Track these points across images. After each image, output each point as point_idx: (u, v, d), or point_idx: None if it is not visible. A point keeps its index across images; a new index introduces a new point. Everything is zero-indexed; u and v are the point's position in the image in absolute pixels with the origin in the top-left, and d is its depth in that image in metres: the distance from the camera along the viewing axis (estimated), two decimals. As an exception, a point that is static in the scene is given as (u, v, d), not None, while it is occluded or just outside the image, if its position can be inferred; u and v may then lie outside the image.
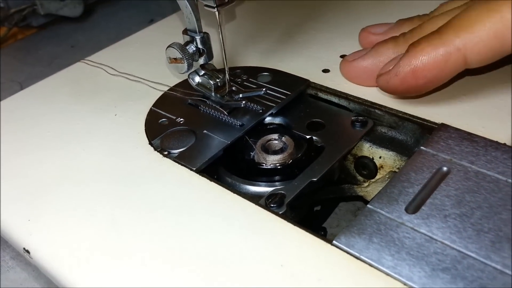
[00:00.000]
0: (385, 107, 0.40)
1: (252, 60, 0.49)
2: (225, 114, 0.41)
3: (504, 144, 0.34)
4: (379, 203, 0.31)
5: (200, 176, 0.36)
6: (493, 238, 0.28)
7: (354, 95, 0.42)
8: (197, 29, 0.40)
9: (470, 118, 0.38)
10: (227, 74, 0.41)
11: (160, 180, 0.36)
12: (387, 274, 0.27)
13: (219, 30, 0.39)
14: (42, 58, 0.78)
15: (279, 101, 0.42)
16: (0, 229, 0.36)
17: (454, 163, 0.33)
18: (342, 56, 0.48)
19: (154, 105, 0.44)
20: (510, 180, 0.31)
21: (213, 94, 0.42)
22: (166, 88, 0.46)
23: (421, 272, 0.27)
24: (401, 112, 0.39)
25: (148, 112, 0.43)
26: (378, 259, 0.28)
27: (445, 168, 0.33)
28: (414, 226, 0.29)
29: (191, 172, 0.37)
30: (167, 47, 0.40)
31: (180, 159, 0.38)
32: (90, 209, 0.35)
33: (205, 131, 0.40)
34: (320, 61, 0.47)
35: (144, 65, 0.50)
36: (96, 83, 0.48)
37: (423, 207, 0.30)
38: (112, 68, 0.49)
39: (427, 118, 0.38)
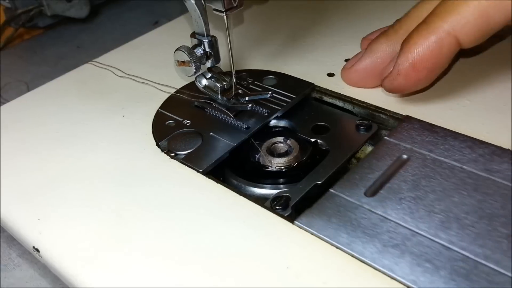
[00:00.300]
0: (389, 111, 0.41)
1: (257, 63, 0.49)
2: (231, 117, 0.42)
3: (462, 134, 0.37)
4: (340, 187, 0.34)
5: (207, 178, 0.37)
6: (443, 218, 0.31)
7: (359, 99, 0.43)
8: (205, 32, 0.40)
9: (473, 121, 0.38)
10: (233, 77, 0.42)
11: (167, 181, 0.37)
12: (342, 250, 0.30)
13: (227, 34, 0.39)
14: (48, 59, 0.79)
15: (285, 104, 0.43)
16: (9, 227, 0.36)
17: (414, 151, 0.36)
18: (347, 60, 0.48)
19: (161, 107, 0.45)
20: (464, 167, 0.34)
21: (219, 96, 0.42)
22: (172, 90, 0.47)
23: (373, 248, 0.29)
24: (405, 116, 0.40)
25: (155, 114, 0.44)
26: (335, 237, 0.30)
27: (405, 156, 0.35)
28: (371, 208, 0.32)
29: (198, 173, 0.37)
30: (176, 50, 0.40)
31: (187, 161, 0.38)
32: (98, 208, 0.35)
33: (211, 133, 0.41)
34: (325, 65, 0.48)
35: (151, 67, 0.50)
36: (104, 84, 0.49)
37: (381, 191, 0.33)
38: (120, 70, 0.50)
39: (431, 122, 0.39)
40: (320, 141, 0.40)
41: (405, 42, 0.37)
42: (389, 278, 0.28)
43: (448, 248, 0.29)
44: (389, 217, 0.31)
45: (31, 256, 0.44)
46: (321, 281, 0.29)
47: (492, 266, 0.28)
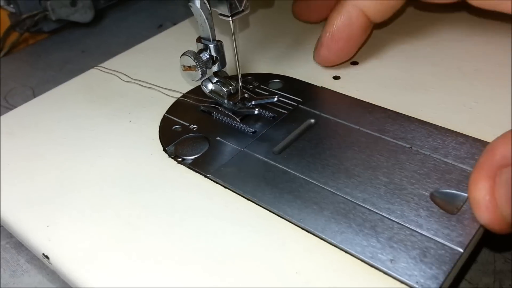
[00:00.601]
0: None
1: (263, 66, 0.49)
2: (238, 121, 0.42)
3: (366, 102, 0.42)
4: (252, 146, 0.39)
5: (214, 183, 0.37)
6: (334, 170, 0.36)
7: (366, 100, 0.43)
8: (211, 37, 0.40)
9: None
10: (240, 82, 0.42)
11: (175, 186, 0.37)
12: (246, 198, 0.35)
13: (233, 38, 0.39)
14: (54, 63, 0.79)
15: (291, 108, 0.43)
16: (18, 234, 0.36)
17: (321, 117, 0.41)
18: (353, 63, 0.48)
19: (167, 112, 0.44)
20: (361, 128, 0.39)
21: (225, 101, 0.42)
22: (179, 95, 0.46)
23: (271, 194, 0.35)
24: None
25: (162, 119, 0.44)
26: (242, 187, 0.36)
27: (312, 120, 0.41)
28: (276, 163, 0.37)
29: (205, 178, 0.37)
30: (181, 55, 0.40)
31: (194, 166, 0.38)
32: (107, 215, 0.35)
33: (218, 138, 0.41)
34: (331, 68, 0.47)
35: (157, 71, 0.50)
36: (110, 89, 0.49)
37: (287, 149, 0.38)
38: (125, 75, 0.50)
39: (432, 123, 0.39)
40: None
41: (327, 19, 0.44)
42: (283, 220, 0.33)
43: (334, 194, 0.34)
44: (289, 170, 0.36)
45: (39, 262, 0.44)
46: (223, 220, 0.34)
47: (368, 207, 0.33)
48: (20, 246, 0.46)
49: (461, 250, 0.29)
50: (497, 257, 0.41)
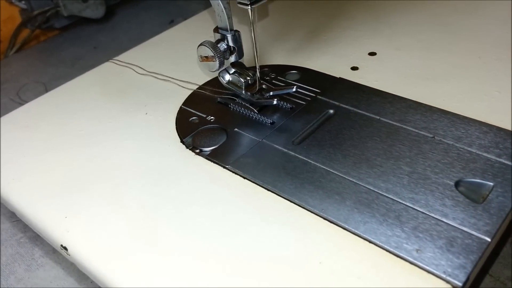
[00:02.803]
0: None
1: (279, 58, 0.49)
2: (256, 112, 0.41)
3: (385, 92, 0.41)
4: (271, 137, 0.39)
5: (233, 174, 0.36)
6: (355, 160, 0.35)
7: (385, 91, 0.42)
8: (228, 27, 0.40)
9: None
10: (258, 72, 0.41)
11: (194, 177, 0.36)
12: (266, 189, 0.35)
13: (251, 28, 0.39)
14: (65, 59, 0.79)
15: (309, 99, 0.42)
16: (36, 226, 0.36)
17: (340, 107, 0.41)
18: (371, 54, 0.47)
19: (184, 104, 0.44)
20: (382, 118, 0.39)
21: (243, 92, 0.42)
22: (195, 87, 0.46)
23: (292, 185, 0.34)
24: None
25: (178, 111, 0.43)
26: (261, 178, 0.35)
27: (331, 111, 0.41)
28: (295, 154, 0.37)
29: (224, 169, 0.37)
30: (199, 45, 0.40)
31: (212, 157, 0.38)
32: (124, 206, 0.35)
33: (236, 129, 0.40)
34: (348, 59, 0.47)
35: (172, 64, 0.50)
36: (126, 82, 0.48)
37: (306, 140, 0.38)
38: (141, 68, 0.50)
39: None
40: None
41: None
42: (305, 210, 0.32)
43: (356, 184, 0.34)
44: (310, 161, 0.36)
45: (54, 256, 0.44)
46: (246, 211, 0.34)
47: (391, 197, 0.32)
48: (35, 240, 0.46)
49: (489, 239, 0.29)
50: (517, 250, 0.40)
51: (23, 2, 0.78)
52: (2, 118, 0.47)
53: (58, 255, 0.44)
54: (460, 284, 0.27)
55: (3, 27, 0.81)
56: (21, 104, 0.62)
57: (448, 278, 0.27)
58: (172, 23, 0.83)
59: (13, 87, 0.72)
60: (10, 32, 0.81)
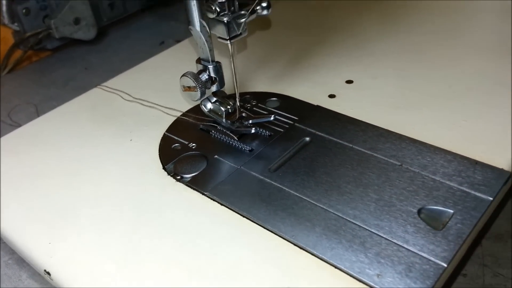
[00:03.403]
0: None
1: (261, 85, 0.51)
2: (235, 140, 0.43)
3: (359, 120, 0.44)
4: (249, 165, 0.41)
5: (212, 201, 0.38)
6: (327, 187, 0.38)
7: (359, 119, 0.44)
8: (210, 58, 0.42)
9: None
10: (237, 102, 0.43)
11: (174, 204, 0.38)
12: (241, 215, 0.36)
13: (231, 60, 0.41)
14: (57, 80, 0.80)
15: (287, 126, 0.44)
16: (21, 250, 0.38)
17: (316, 135, 0.43)
18: (348, 82, 0.50)
19: (167, 130, 0.46)
20: (354, 146, 0.41)
21: (224, 120, 0.44)
22: (178, 114, 0.48)
23: (266, 212, 0.36)
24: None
25: (162, 137, 0.45)
26: (237, 205, 0.37)
27: (307, 138, 0.43)
28: (271, 181, 0.39)
29: (203, 196, 0.39)
30: (181, 76, 0.42)
31: (193, 184, 0.40)
32: (107, 232, 0.37)
33: (216, 156, 0.42)
34: (326, 87, 0.49)
35: (157, 90, 0.52)
36: (112, 108, 0.50)
37: (282, 167, 0.40)
38: (127, 94, 0.52)
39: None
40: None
41: None
42: (276, 236, 0.34)
43: (326, 210, 0.36)
44: (284, 188, 0.38)
45: (40, 277, 0.45)
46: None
47: (358, 223, 0.34)
48: (22, 262, 0.47)
49: (445, 265, 0.31)
50: (486, 271, 0.42)
51: (16, 24, 0.80)
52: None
53: (43, 276, 0.46)
54: (416, 308, 0.29)
55: (-4, 48, 0.83)
56: (12, 126, 0.64)
57: (406, 302, 0.29)
58: (162, 44, 0.85)
59: (5, 108, 0.74)
60: (3, 53, 0.83)
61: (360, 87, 0.49)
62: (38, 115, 0.58)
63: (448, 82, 0.48)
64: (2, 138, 0.49)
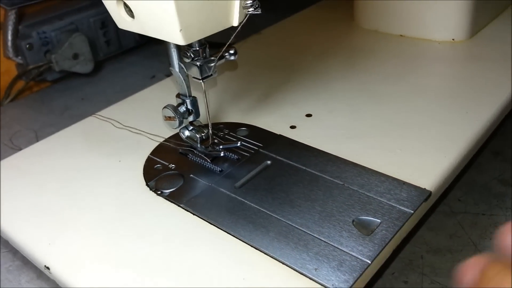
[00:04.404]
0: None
1: (233, 116, 0.59)
2: (208, 162, 0.51)
3: (314, 148, 0.52)
4: (218, 182, 0.49)
5: (186, 211, 0.46)
6: (281, 201, 0.46)
7: (314, 147, 0.52)
8: (187, 93, 0.50)
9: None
10: (210, 130, 0.51)
11: (154, 214, 0.46)
12: (210, 223, 0.44)
13: (204, 95, 0.49)
14: (55, 109, 0.87)
15: (253, 151, 0.52)
16: (24, 250, 0.45)
17: (276, 159, 0.51)
18: (308, 115, 0.58)
19: (151, 153, 0.54)
20: (307, 169, 0.49)
21: (199, 145, 0.52)
22: (161, 140, 0.56)
23: (230, 219, 0.44)
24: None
25: (146, 159, 0.53)
26: (206, 215, 0.45)
27: (269, 162, 0.51)
28: (236, 196, 0.47)
29: (179, 207, 0.46)
30: (163, 108, 0.50)
31: (171, 197, 0.48)
32: (97, 234, 0.44)
33: (191, 175, 0.50)
34: (288, 119, 0.57)
35: (144, 119, 0.60)
36: (105, 134, 0.58)
37: (246, 185, 0.48)
38: (118, 122, 0.60)
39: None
40: None
41: None
42: (237, 239, 0.42)
43: (279, 219, 0.43)
44: (246, 201, 0.46)
45: (38, 281, 0.52)
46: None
47: (303, 229, 0.42)
48: (21, 268, 0.54)
49: (369, 262, 0.38)
50: (424, 279, 0.49)
51: (19, 57, 0.88)
52: None
53: (41, 280, 0.52)
54: (342, 294, 0.36)
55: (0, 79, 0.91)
56: (13, 149, 0.71)
57: (334, 289, 0.37)
58: (153, 77, 0.93)
59: (7, 133, 0.81)
60: (6, 83, 0.91)
61: (317, 119, 0.57)
62: (38, 140, 0.66)
63: (389, 116, 0.56)
64: (7, 159, 0.57)
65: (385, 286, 0.49)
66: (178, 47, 0.47)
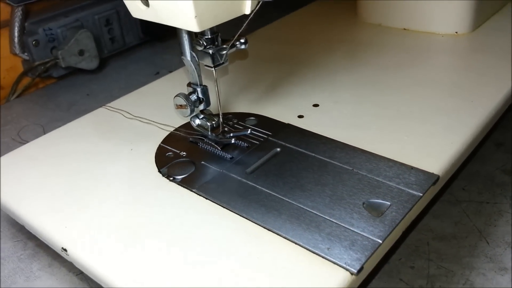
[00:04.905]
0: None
1: (242, 106, 0.60)
2: (219, 149, 0.52)
3: (321, 135, 0.53)
4: (230, 168, 0.50)
5: (198, 196, 0.47)
6: (292, 186, 0.47)
7: (322, 134, 0.53)
8: (198, 82, 0.51)
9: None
10: (221, 118, 0.52)
11: (167, 199, 0.47)
12: (223, 207, 0.45)
13: (216, 84, 0.50)
14: (61, 105, 0.88)
15: (262, 139, 0.53)
16: (42, 234, 0.46)
17: (285, 146, 0.52)
18: (315, 105, 0.59)
19: (162, 142, 0.55)
20: (316, 155, 0.50)
21: (209, 133, 0.53)
22: (172, 129, 0.57)
23: (243, 203, 0.45)
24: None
25: (158, 147, 0.54)
26: (219, 199, 0.46)
27: (278, 149, 0.52)
28: (248, 181, 0.48)
29: (192, 192, 0.47)
30: (175, 96, 0.51)
31: (183, 183, 0.49)
32: (113, 217, 0.45)
33: (202, 162, 0.51)
34: (296, 109, 0.59)
35: (154, 110, 0.61)
36: (115, 124, 0.59)
37: (256, 171, 0.49)
38: (128, 113, 0.61)
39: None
40: None
41: None
42: (250, 222, 0.43)
43: (290, 203, 0.44)
44: (257, 186, 0.47)
45: (50, 269, 0.53)
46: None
47: (315, 212, 0.43)
48: (32, 257, 0.55)
49: (380, 241, 0.39)
50: (431, 265, 0.50)
51: (26, 54, 0.89)
52: (11, 152, 0.57)
53: (53, 268, 0.53)
54: (355, 271, 0.37)
55: (6, 76, 0.92)
56: (21, 143, 0.72)
57: (347, 267, 0.38)
58: (157, 74, 0.94)
59: (14, 128, 0.82)
60: (12, 79, 0.92)
61: (324, 109, 0.58)
62: (45, 134, 0.67)
63: (395, 106, 0.57)
64: (17, 150, 0.58)
65: (392, 271, 0.50)
66: (190, 36, 0.48)
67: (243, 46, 0.49)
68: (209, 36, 0.47)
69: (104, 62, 1.00)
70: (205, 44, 0.47)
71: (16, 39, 0.89)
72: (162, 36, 1.07)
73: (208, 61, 0.49)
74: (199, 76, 0.51)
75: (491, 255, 0.51)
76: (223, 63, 0.49)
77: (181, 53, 0.50)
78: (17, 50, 0.89)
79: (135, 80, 0.93)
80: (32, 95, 0.94)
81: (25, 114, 0.87)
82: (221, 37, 0.48)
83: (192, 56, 0.49)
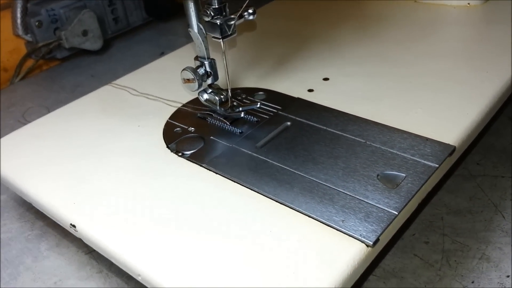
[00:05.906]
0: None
1: (250, 82, 0.59)
2: (228, 124, 0.51)
3: (332, 109, 0.52)
4: (239, 143, 0.49)
5: (208, 170, 0.46)
6: (304, 159, 0.45)
7: (335, 108, 0.52)
8: (206, 55, 0.50)
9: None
10: (229, 92, 0.51)
11: (177, 173, 0.46)
12: (233, 181, 0.44)
13: (223, 56, 0.49)
14: (66, 86, 0.88)
15: (272, 114, 0.52)
16: (50, 211, 0.45)
17: (295, 120, 0.51)
18: (325, 79, 0.58)
19: (170, 118, 0.54)
20: (327, 128, 0.49)
21: (218, 108, 0.52)
22: (179, 105, 0.56)
23: (254, 177, 0.44)
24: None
25: (165, 124, 0.53)
26: (229, 173, 0.45)
27: (288, 123, 0.51)
28: (258, 155, 0.47)
29: (201, 167, 0.46)
30: (182, 70, 0.50)
31: (192, 158, 0.47)
32: (121, 193, 0.44)
33: (211, 137, 0.50)
34: (305, 83, 0.57)
35: (161, 86, 0.60)
36: (122, 101, 0.58)
37: (267, 145, 0.48)
38: (134, 90, 0.59)
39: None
40: None
41: None
42: (262, 196, 0.42)
43: (303, 176, 0.43)
44: (268, 160, 0.46)
45: (57, 249, 0.52)
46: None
47: (328, 185, 0.42)
48: (40, 237, 0.54)
49: (396, 213, 0.38)
50: (445, 239, 0.49)
51: (29, 35, 0.88)
52: (17, 130, 0.56)
53: (60, 248, 0.53)
54: (371, 242, 0.36)
55: (9, 57, 0.91)
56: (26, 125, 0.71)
57: (363, 239, 0.37)
58: (162, 54, 0.93)
59: (19, 110, 0.81)
60: (16, 62, 0.91)
61: (335, 83, 0.57)
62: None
63: (407, 79, 0.56)
64: (24, 127, 0.57)
65: (407, 246, 0.49)
66: (197, 7, 0.47)
67: (251, 17, 0.48)
68: (217, 6, 0.46)
69: (108, 43, 0.99)
70: (212, 14, 0.46)
71: (18, 20, 0.88)
72: (166, 16, 1.05)
73: (216, 32, 0.47)
74: (207, 49, 0.49)
75: (507, 229, 0.50)
76: (231, 34, 0.48)
77: (188, 25, 0.49)
78: (20, 31, 0.88)
79: (140, 61, 0.91)
80: (36, 77, 0.93)
81: (29, 96, 0.86)
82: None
83: (199, 28, 0.48)
